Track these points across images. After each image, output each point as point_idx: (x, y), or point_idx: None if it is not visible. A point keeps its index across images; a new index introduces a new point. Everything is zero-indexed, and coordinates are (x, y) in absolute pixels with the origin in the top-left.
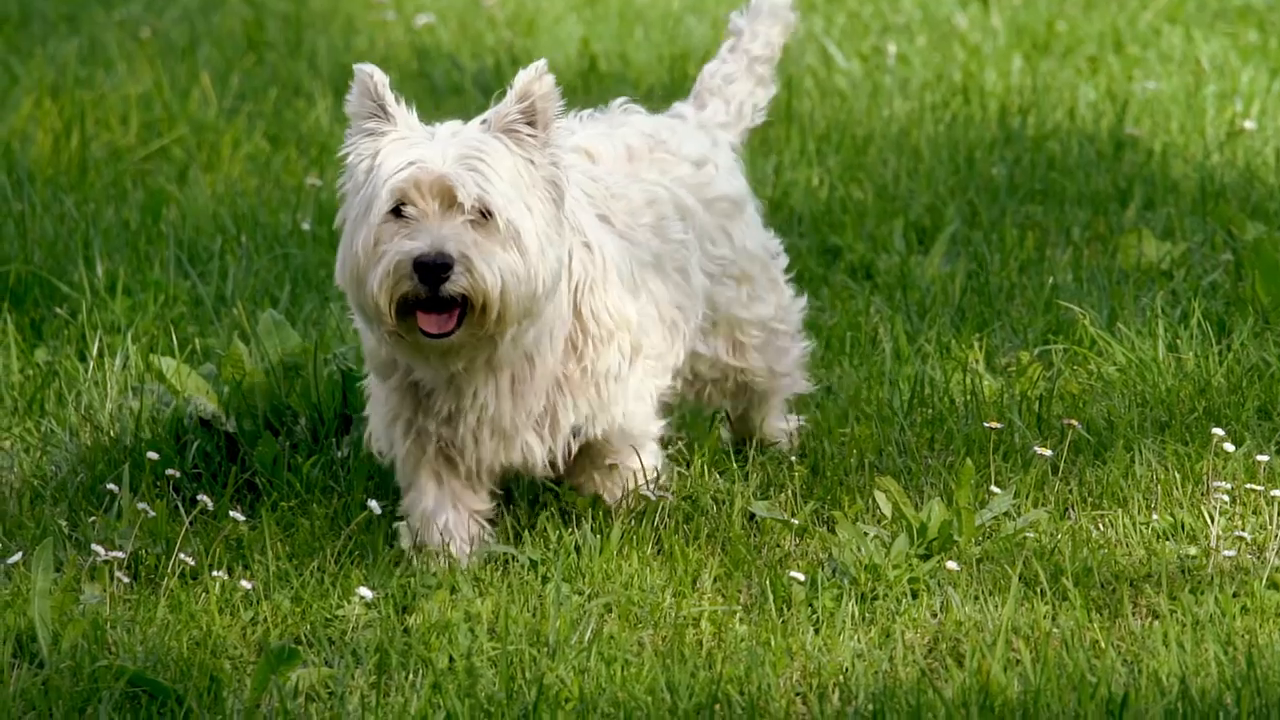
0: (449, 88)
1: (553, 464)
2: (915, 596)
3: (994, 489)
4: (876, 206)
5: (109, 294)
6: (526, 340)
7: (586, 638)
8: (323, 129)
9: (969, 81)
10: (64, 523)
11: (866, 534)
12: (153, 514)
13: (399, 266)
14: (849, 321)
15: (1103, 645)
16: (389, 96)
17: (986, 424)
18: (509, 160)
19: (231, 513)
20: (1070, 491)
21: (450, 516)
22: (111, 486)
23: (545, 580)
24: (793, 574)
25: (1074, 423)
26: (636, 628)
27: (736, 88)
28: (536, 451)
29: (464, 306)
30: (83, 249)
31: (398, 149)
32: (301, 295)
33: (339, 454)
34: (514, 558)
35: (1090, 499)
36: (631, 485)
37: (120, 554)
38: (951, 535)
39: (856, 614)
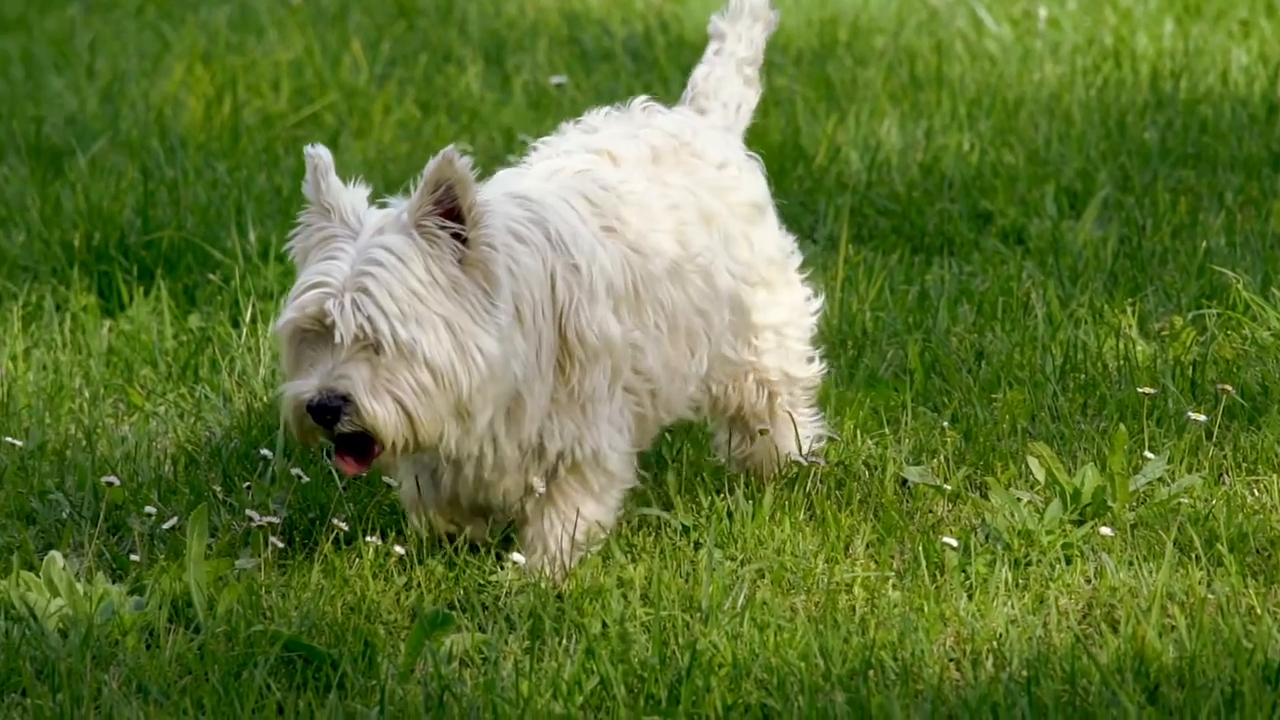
0: (599, 54)
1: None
2: (1069, 562)
3: (1148, 454)
4: (1028, 171)
5: (261, 260)
6: (506, 392)
7: (739, 603)
8: (473, 95)
9: (1120, 45)
10: (218, 488)
11: (1020, 499)
12: (306, 479)
13: (296, 411)
14: (1001, 287)
15: (1259, 611)
16: (323, 185)
17: (1140, 389)
18: (414, 266)
19: (385, 478)
20: (1224, 457)
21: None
22: (265, 452)
23: (698, 546)
24: (946, 540)
25: (1228, 388)
26: (789, 593)
27: (729, 90)
28: (514, 492)
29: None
30: (235, 215)
31: (314, 258)
32: None
33: None
34: (666, 523)
35: (1245, 464)
36: (579, 536)
37: (274, 519)
38: (1105, 501)
39: (1010, 580)
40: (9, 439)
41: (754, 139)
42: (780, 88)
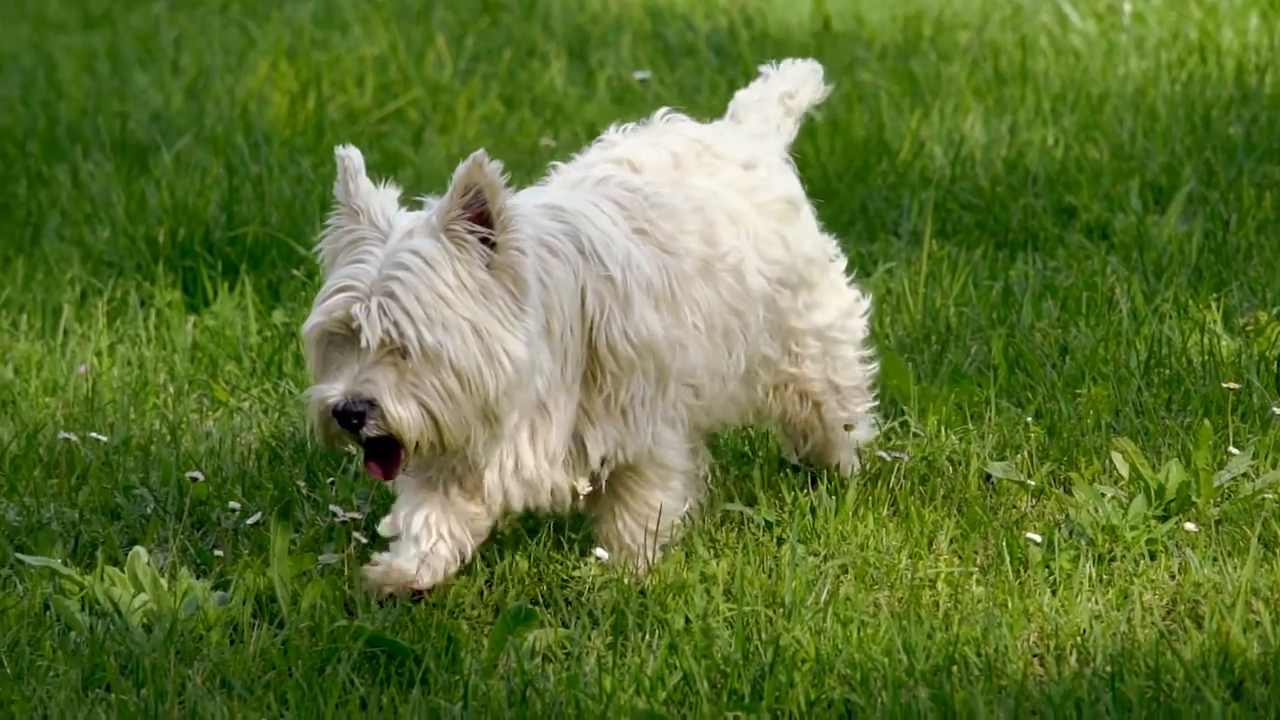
0: (683, 49)
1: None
2: (1153, 558)
3: (1232, 449)
4: (1112, 166)
5: None
6: (531, 399)
7: (822, 599)
8: (557, 90)
9: (1205, 40)
10: (302, 484)
11: (1104, 495)
12: None
13: (322, 415)
14: (1085, 282)
15: None
16: (353, 186)
17: (1224, 384)
18: (442, 270)
19: None
20: None
21: (435, 512)
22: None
23: (781, 541)
24: (1029, 535)
25: None
26: (872, 589)
27: (771, 110)
28: (565, 489)
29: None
30: (319, 211)
31: (342, 261)
32: None
33: None
34: (749, 519)
35: None
36: (652, 527)
37: (358, 515)
38: (1190, 496)
39: (1094, 575)
40: (94, 434)
41: (838, 134)
42: (864, 83)
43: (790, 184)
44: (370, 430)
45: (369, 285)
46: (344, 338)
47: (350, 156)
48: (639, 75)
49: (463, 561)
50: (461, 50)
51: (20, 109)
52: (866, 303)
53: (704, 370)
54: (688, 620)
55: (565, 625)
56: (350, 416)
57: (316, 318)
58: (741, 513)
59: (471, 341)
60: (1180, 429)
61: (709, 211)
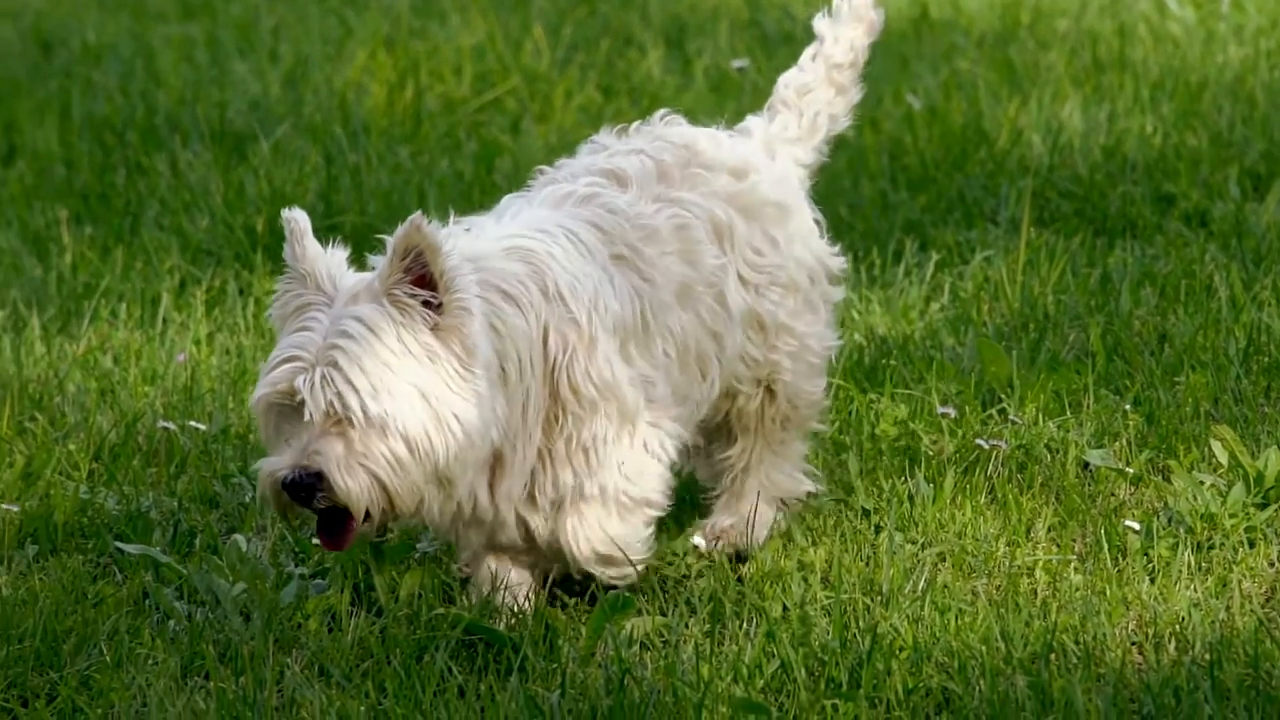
0: (780, 37)
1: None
2: (1252, 545)
3: None
4: (1211, 154)
5: None
6: (485, 455)
7: (920, 587)
8: (654, 79)
9: None
10: None
11: (1202, 482)
12: None
13: (272, 488)
14: (1184, 269)
15: None
16: (299, 249)
17: None
18: (385, 337)
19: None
20: None
21: (495, 563)
22: None
23: (878, 529)
24: (1128, 523)
25: None
26: (970, 577)
27: (813, 97)
28: (513, 530)
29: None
30: (417, 200)
31: (289, 328)
32: None
33: None
34: (847, 507)
35: None
36: (596, 548)
37: None
38: None
39: (1192, 563)
40: (193, 423)
41: (936, 122)
42: (962, 71)
43: (784, 190)
44: (320, 503)
45: (314, 355)
46: (291, 408)
47: (296, 219)
48: (736, 64)
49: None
50: (559, 39)
51: (119, 99)
52: (836, 341)
53: (674, 399)
54: (785, 608)
55: (663, 613)
56: (299, 489)
57: (262, 389)
58: (839, 501)
59: (419, 407)
60: None
61: (691, 230)
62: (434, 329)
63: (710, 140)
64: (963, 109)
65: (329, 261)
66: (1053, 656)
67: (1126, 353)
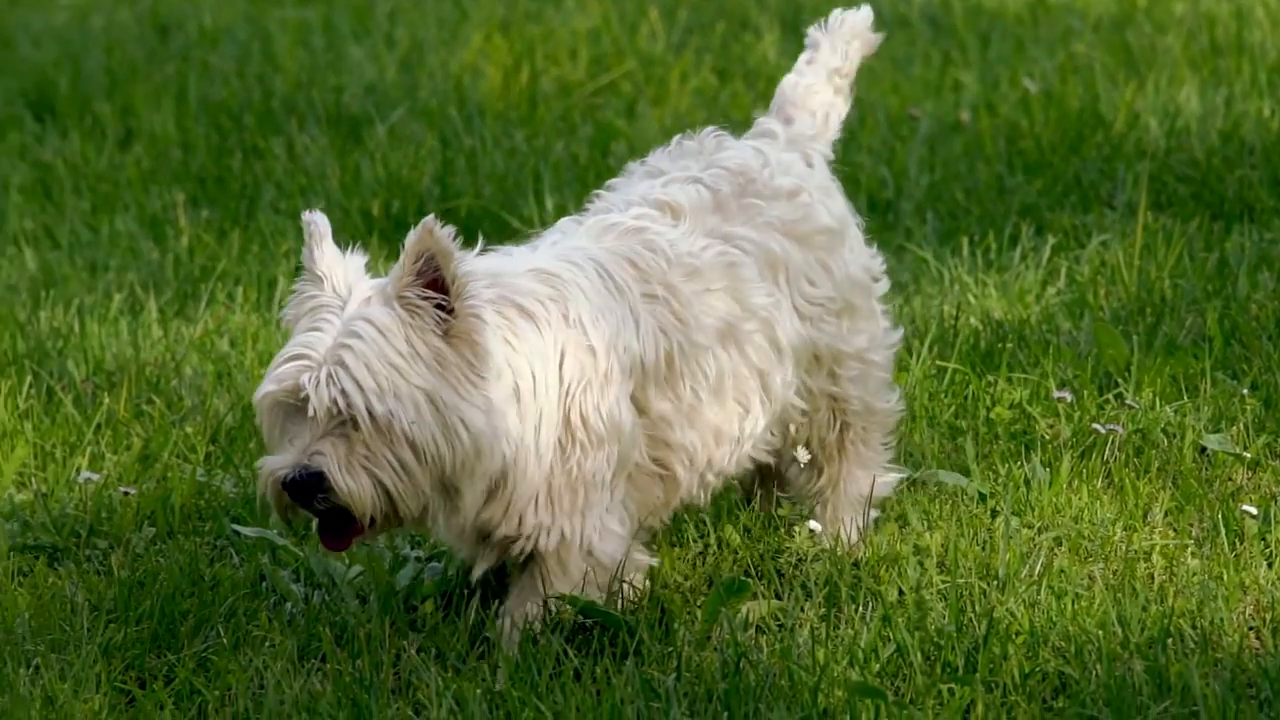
0: (896, 21)
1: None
2: None
3: None
4: None
5: None
6: (496, 467)
7: (1036, 571)
8: (770, 62)
9: None
10: None
11: None
12: None
13: (273, 487)
14: None
15: None
16: (317, 252)
17: None
18: (394, 339)
19: None
20: None
21: None
22: None
23: (994, 514)
24: (1245, 508)
25: None
26: (1087, 561)
27: (819, 99)
28: (480, 560)
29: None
30: (533, 183)
31: (301, 329)
32: None
33: None
34: (963, 491)
35: None
36: (536, 614)
37: None
38: None
39: None
40: None
41: (1052, 106)
42: (1079, 55)
43: (834, 208)
44: (321, 504)
45: (322, 354)
46: (296, 407)
47: (316, 222)
48: None
49: None
50: (674, 22)
51: (236, 82)
52: (897, 335)
53: (699, 440)
54: (901, 592)
55: (778, 597)
56: (299, 489)
57: (267, 386)
58: (955, 485)
59: (426, 412)
60: None
61: (741, 269)
62: (445, 334)
63: (759, 160)
64: (1079, 93)
65: (346, 266)
66: (1170, 641)
67: (1244, 337)
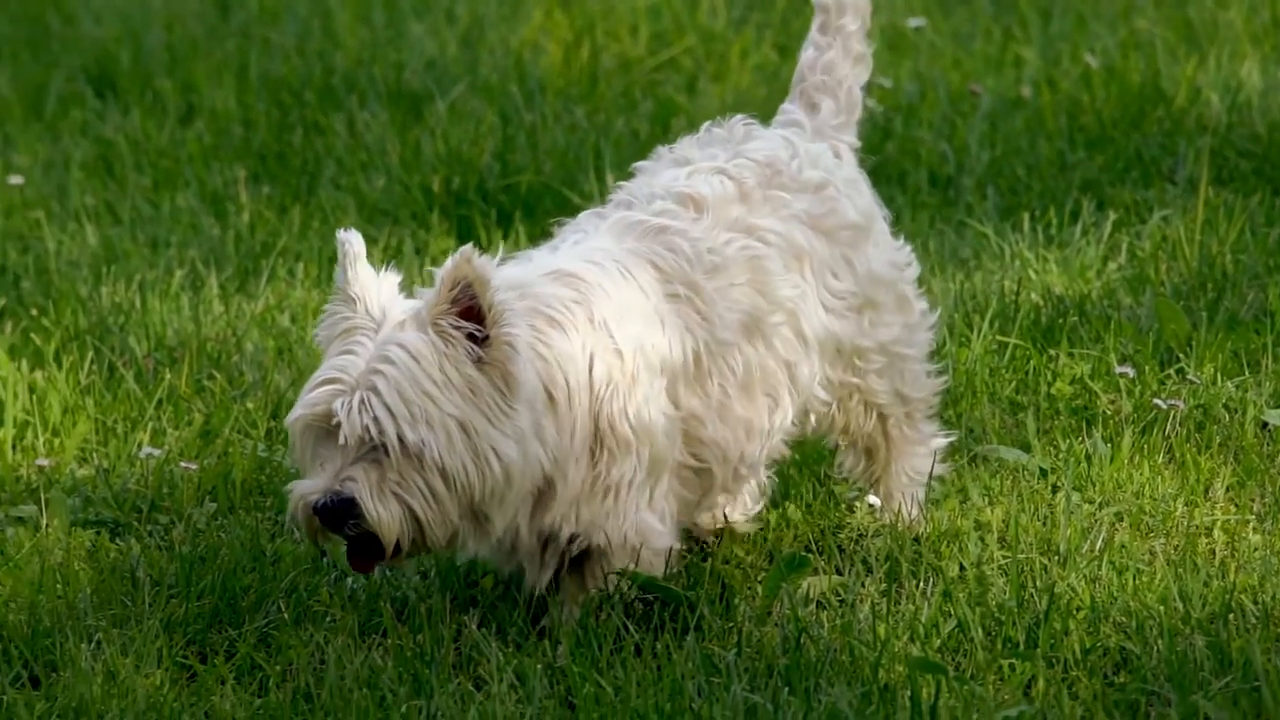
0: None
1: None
2: None
3: None
4: None
5: None
6: (525, 490)
7: (1097, 546)
8: None
9: None
10: None
11: None
12: None
13: (304, 512)
14: None
15: None
16: (351, 273)
17: None
18: (428, 366)
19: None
20: None
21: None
22: None
23: (1055, 489)
24: None
25: None
26: (1148, 537)
27: (840, 75)
28: (532, 567)
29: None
30: (593, 159)
31: (334, 351)
32: None
33: None
34: (1024, 466)
35: None
36: (605, 587)
37: None
38: None
39: None
40: None
41: (1114, 81)
42: (1140, 30)
43: (860, 203)
44: (350, 530)
45: (355, 379)
46: (328, 431)
47: (351, 241)
48: (913, 22)
49: None
50: None
51: (296, 59)
52: (934, 317)
53: (730, 435)
54: (962, 568)
55: (839, 572)
56: (330, 515)
57: (300, 410)
58: (1016, 460)
59: (458, 440)
60: None
61: (765, 262)
62: (478, 362)
63: (788, 151)
64: (1140, 68)
65: (380, 287)
66: (1231, 617)
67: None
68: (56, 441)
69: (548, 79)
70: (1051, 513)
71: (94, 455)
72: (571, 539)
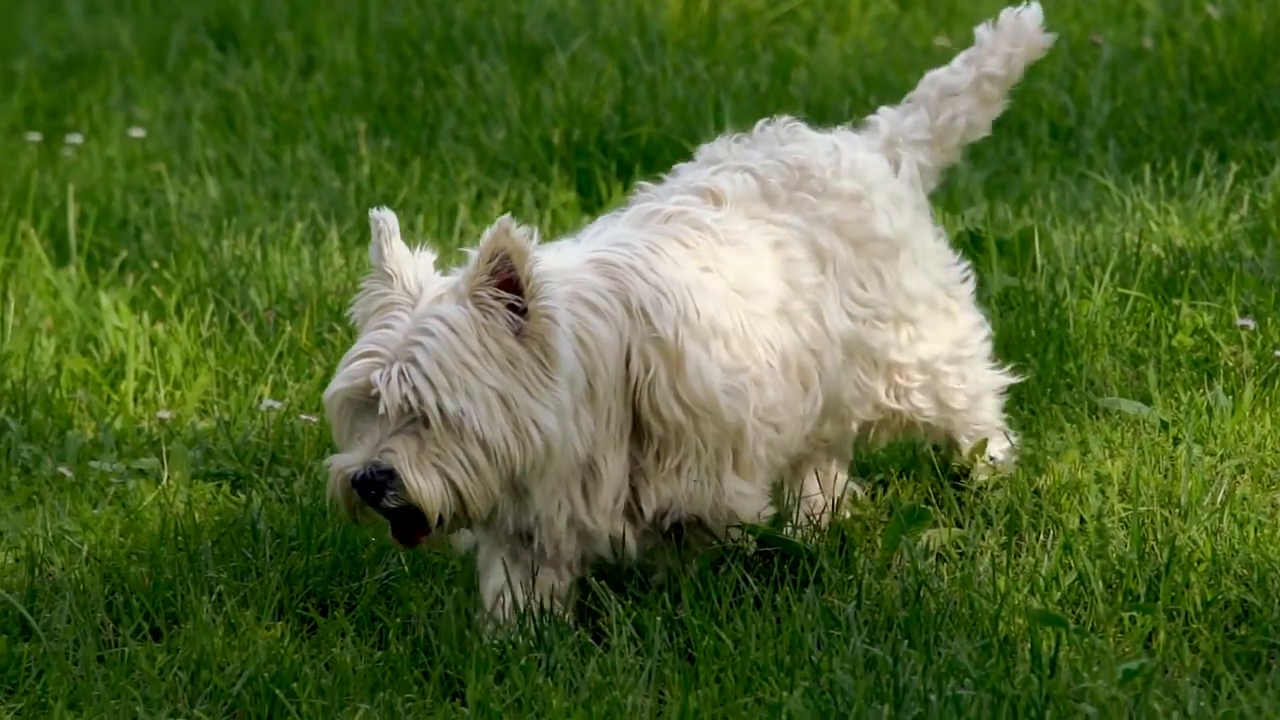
0: None
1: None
2: None
3: None
4: None
5: None
6: (568, 466)
7: (1218, 499)
8: None
9: None
10: None
11: None
12: None
13: (342, 486)
14: None
15: None
16: (387, 250)
17: None
18: (466, 338)
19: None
20: None
21: (516, 597)
22: None
23: (1176, 441)
24: None
25: None
26: (1270, 489)
27: (954, 102)
28: (628, 542)
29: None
30: (713, 112)
31: (370, 325)
32: None
33: None
34: (1144, 419)
35: None
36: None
37: None
38: None
39: None
40: None
41: (1235, 32)
42: None
43: (897, 221)
44: (391, 502)
45: (393, 351)
46: (366, 404)
47: (385, 219)
48: None
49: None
50: None
51: (416, 10)
52: (986, 329)
53: (784, 408)
54: (1082, 520)
55: (959, 525)
56: (370, 487)
57: (338, 384)
58: (1137, 413)
59: (498, 411)
60: None
61: (788, 248)
62: (518, 334)
63: (829, 159)
64: (1263, 18)
65: (415, 263)
66: None
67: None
68: (178, 394)
69: (668, 31)
70: (1172, 465)
71: (215, 408)
72: (660, 515)
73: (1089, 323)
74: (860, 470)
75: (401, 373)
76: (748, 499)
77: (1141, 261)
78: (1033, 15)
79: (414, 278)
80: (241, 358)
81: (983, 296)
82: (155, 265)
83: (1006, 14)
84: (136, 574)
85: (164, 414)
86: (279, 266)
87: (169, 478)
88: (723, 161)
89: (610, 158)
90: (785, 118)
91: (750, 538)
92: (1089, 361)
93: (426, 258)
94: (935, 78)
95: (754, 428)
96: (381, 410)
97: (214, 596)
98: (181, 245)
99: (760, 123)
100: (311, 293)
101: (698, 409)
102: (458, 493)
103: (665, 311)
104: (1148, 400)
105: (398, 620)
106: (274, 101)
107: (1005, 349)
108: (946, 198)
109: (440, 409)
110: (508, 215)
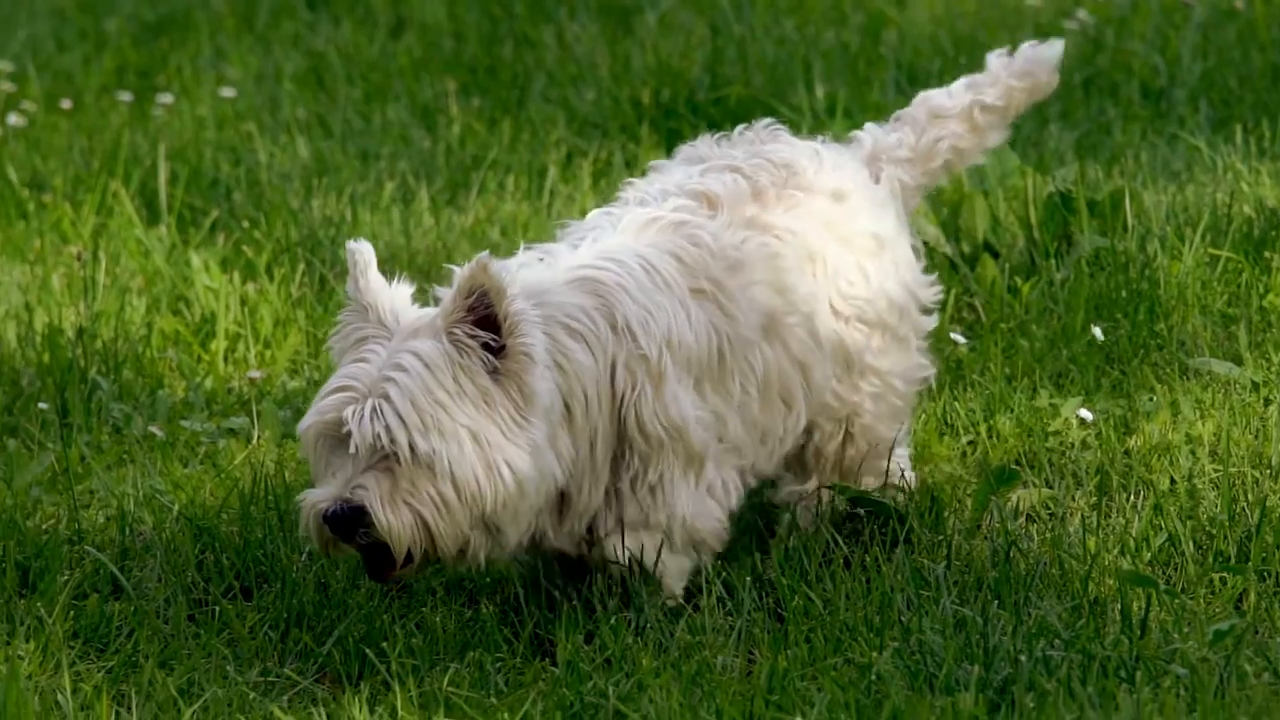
0: None
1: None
2: None
3: None
4: None
5: (829, 115)
6: (539, 505)
7: None
8: None
9: None
10: None
11: None
12: None
13: (314, 521)
14: None
15: None
16: (363, 282)
17: None
18: (441, 375)
19: (952, 334)
20: None
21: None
22: None
23: (1267, 402)
24: None
25: None
26: None
27: (942, 124)
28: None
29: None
30: (803, 72)
31: (346, 360)
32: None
33: (1058, 275)
34: (1235, 380)
35: None
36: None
37: None
38: None
39: None
40: None
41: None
42: None
43: (883, 221)
44: (361, 539)
45: (367, 386)
46: (339, 440)
47: (361, 250)
48: None
49: None
50: None
51: None
52: (927, 372)
53: (747, 437)
54: (1173, 481)
55: (1049, 485)
56: (340, 523)
57: (311, 418)
58: (1228, 373)
59: (470, 450)
60: None
61: (782, 259)
62: (493, 373)
63: (811, 159)
64: None
65: (392, 296)
66: None
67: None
68: (268, 354)
69: None
70: (1263, 426)
71: (305, 367)
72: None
73: (1180, 283)
74: (949, 429)
75: (374, 409)
76: (712, 519)
77: (1233, 222)
78: (1051, 53)
79: (390, 310)
80: (331, 317)
81: (1073, 257)
82: (245, 225)
83: (1026, 47)
84: (227, 533)
85: (254, 373)
86: (369, 226)
87: (259, 437)
88: (707, 161)
89: (700, 118)
90: (765, 120)
91: (840, 496)
92: (1180, 322)
93: (403, 290)
94: (927, 98)
95: (713, 463)
96: (353, 448)
97: (304, 555)
98: (272, 205)
99: (740, 127)
100: (401, 252)
101: (673, 430)
102: (428, 530)
103: (651, 331)
104: (1239, 361)
105: (488, 580)
106: (364, 61)
107: (1096, 309)
108: (1038, 157)
109: (411, 447)
110: (486, 252)
